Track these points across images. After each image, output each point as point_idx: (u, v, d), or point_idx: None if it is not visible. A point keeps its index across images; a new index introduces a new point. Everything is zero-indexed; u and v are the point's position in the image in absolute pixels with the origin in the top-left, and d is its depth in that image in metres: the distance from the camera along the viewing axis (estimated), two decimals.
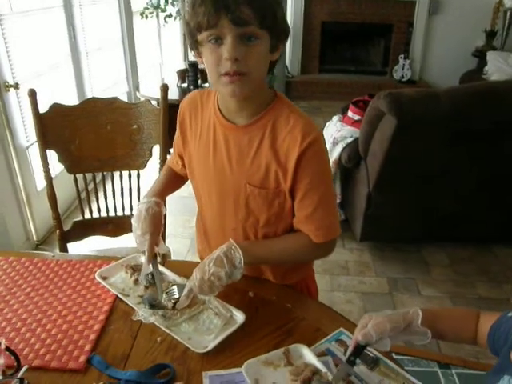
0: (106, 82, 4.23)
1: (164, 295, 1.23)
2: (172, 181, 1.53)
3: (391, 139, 2.52)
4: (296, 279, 1.44)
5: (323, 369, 1.03)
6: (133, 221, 1.33)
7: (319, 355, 1.09)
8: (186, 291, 1.18)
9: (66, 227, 1.98)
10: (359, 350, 0.97)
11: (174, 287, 1.25)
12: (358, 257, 2.98)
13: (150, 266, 1.30)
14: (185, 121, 1.34)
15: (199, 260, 1.48)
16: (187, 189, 1.50)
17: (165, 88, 1.90)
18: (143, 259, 1.43)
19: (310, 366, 1.04)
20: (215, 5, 1.01)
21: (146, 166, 1.96)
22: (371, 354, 1.10)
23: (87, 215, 2.02)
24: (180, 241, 3.14)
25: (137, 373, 1.02)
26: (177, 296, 1.21)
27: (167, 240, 1.71)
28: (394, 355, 2.38)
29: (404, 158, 2.63)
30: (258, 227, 1.30)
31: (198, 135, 1.30)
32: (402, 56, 6.65)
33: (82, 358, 1.07)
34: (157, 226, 1.33)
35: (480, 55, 6.12)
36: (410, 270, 2.86)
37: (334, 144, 3.13)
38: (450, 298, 2.67)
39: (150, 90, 4.21)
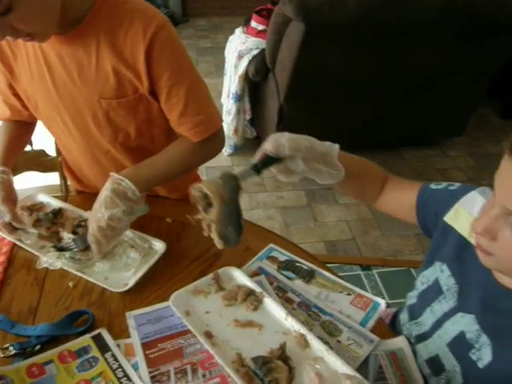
0: None
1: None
2: (14, 137, 1.26)
3: (300, 46, 2.40)
4: (188, 184, 1.36)
5: (257, 289, 0.96)
6: None
7: (251, 275, 1.02)
8: (94, 248, 1.02)
9: None
10: (267, 161, 0.85)
11: (72, 242, 1.08)
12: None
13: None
14: (5, 53, 1.10)
15: None
16: None
17: None
18: (41, 197, 1.25)
19: (243, 287, 0.96)
20: None
21: None
22: (305, 267, 1.05)
23: None
24: None
25: (49, 326, 0.90)
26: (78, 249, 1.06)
27: None
28: None
29: (314, 65, 2.53)
30: (131, 141, 1.17)
31: (25, 62, 1.09)
32: None
33: None
34: (9, 193, 1.12)
35: None
36: None
37: (240, 57, 2.96)
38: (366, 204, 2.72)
39: None
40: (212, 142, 1.18)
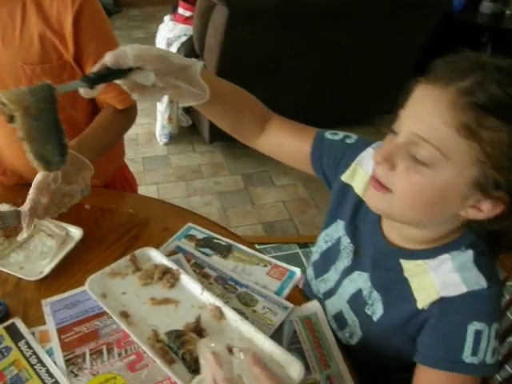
0: None
1: None
2: None
3: (225, 31, 2.39)
4: (111, 174, 1.37)
5: (174, 266, 0.97)
6: None
7: (169, 254, 1.02)
8: (25, 219, 0.96)
9: None
10: (106, 74, 0.75)
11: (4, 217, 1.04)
12: (210, 159, 2.93)
13: None
14: None
15: None
16: None
17: None
18: None
19: (159, 266, 0.97)
20: None
21: None
22: (223, 243, 1.07)
23: None
24: None
25: None
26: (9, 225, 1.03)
27: None
28: (256, 246, 2.46)
29: (241, 49, 2.53)
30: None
31: None
32: None
33: None
34: None
35: None
36: (263, 164, 2.89)
37: (169, 45, 2.94)
38: (302, 184, 2.77)
39: None
40: (129, 112, 1.21)
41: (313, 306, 0.94)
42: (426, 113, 0.67)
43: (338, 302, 0.92)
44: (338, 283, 0.92)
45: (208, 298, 0.91)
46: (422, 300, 0.77)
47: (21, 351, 0.84)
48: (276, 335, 0.88)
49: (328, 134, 0.95)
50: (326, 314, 0.92)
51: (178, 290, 0.94)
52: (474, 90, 0.64)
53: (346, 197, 0.92)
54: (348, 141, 0.93)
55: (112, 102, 1.16)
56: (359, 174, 0.90)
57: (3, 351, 0.84)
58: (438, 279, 0.76)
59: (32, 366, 0.81)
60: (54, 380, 0.79)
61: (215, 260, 1.02)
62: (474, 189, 0.68)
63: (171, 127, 3.04)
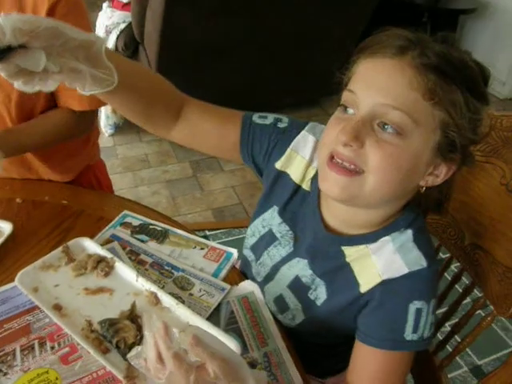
0: None
1: None
2: None
3: (163, 16, 2.34)
4: (77, 172, 1.31)
5: (108, 255, 0.95)
6: None
7: (104, 243, 1.00)
8: None
9: None
10: None
11: None
12: (157, 147, 2.88)
13: None
14: None
15: None
16: None
17: None
18: None
19: (93, 256, 0.95)
20: None
21: None
22: (159, 228, 1.06)
23: None
24: None
25: None
26: None
27: None
28: (207, 232, 2.45)
29: (180, 34, 2.49)
30: (11, 106, 1.10)
31: None
32: None
33: None
34: None
35: None
36: None
37: (107, 33, 2.85)
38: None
39: None
40: (88, 116, 1.17)
41: (249, 285, 0.94)
42: (392, 81, 0.66)
43: (278, 287, 0.90)
44: (274, 269, 0.90)
45: (143, 284, 0.90)
46: (365, 283, 0.78)
47: None
48: (214, 317, 0.88)
49: (256, 118, 0.88)
50: (264, 297, 0.92)
51: (113, 278, 0.92)
52: (428, 55, 0.65)
53: (281, 184, 0.89)
54: (280, 125, 0.88)
55: (72, 102, 1.11)
56: (295, 161, 0.87)
57: None
58: (380, 262, 0.76)
59: None
60: None
61: (151, 246, 1.01)
62: (436, 154, 0.69)
63: (116, 117, 2.97)
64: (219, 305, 0.90)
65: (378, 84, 0.68)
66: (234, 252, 1.01)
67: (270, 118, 0.89)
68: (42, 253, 0.98)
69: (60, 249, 0.97)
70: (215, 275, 0.96)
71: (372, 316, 0.78)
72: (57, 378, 0.76)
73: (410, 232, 0.77)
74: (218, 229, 2.36)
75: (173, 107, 0.86)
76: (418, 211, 0.80)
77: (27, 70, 0.59)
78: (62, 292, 0.90)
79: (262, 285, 0.94)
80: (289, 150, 0.87)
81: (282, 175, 0.89)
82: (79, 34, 0.62)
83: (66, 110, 1.13)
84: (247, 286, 0.94)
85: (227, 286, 0.93)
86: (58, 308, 0.86)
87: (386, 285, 0.76)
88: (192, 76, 2.74)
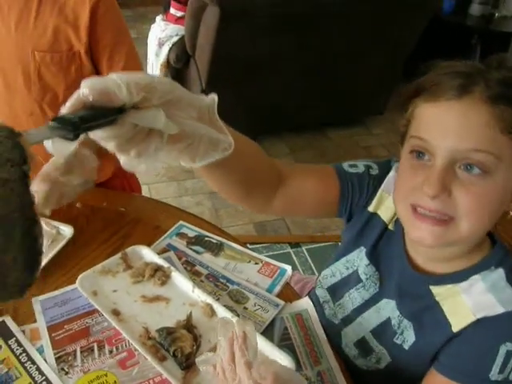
0: None
1: None
2: None
3: (217, 31, 2.40)
4: (109, 172, 1.34)
5: (165, 264, 0.97)
6: None
7: (161, 252, 1.02)
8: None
9: None
10: (93, 117, 0.46)
11: None
12: None
13: None
14: None
15: None
16: None
17: None
18: None
19: (150, 264, 0.97)
20: None
21: None
22: (214, 241, 1.07)
23: None
24: None
25: None
26: None
27: None
28: (248, 245, 2.46)
29: (232, 49, 2.54)
30: (58, 103, 1.13)
31: None
32: None
33: None
34: None
35: None
36: None
37: (160, 45, 2.93)
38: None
39: None
40: None
41: (304, 302, 0.94)
42: (469, 123, 0.66)
43: (360, 330, 0.87)
44: (356, 312, 0.88)
45: (199, 295, 0.91)
46: (457, 323, 0.75)
47: (11, 349, 0.83)
48: (267, 332, 0.88)
49: (349, 168, 0.88)
50: (341, 340, 0.90)
51: (169, 287, 0.94)
52: (491, 86, 0.65)
53: (371, 226, 0.88)
54: (372, 172, 0.88)
55: None
56: (387, 201, 0.87)
57: None
58: (471, 301, 0.74)
59: (22, 363, 0.81)
60: (44, 378, 0.79)
61: (206, 258, 1.02)
62: None
63: None
64: (273, 320, 0.90)
65: (453, 129, 0.66)
66: (288, 268, 1.02)
67: (360, 165, 0.89)
68: (101, 258, 1.01)
69: (119, 255, 0.99)
70: (269, 291, 0.96)
71: (458, 349, 0.74)
72: (115, 382, 0.78)
73: (501, 271, 0.74)
74: (259, 243, 2.36)
75: (273, 175, 0.81)
76: (507, 249, 0.78)
77: (141, 136, 0.51)
78: (120, 298, 0.92)
79: (340, 327, 0.91)
80: (380, 191, 0.87)
81: (373, 217, 0.89)
82: (188, 94, 0.55)
83: None
84: (301, 304, 0.94)
85: (281, 302, 0.93)
86: (116, 313, 0.88)
87: (480, 323, 0.73)
88: (240, 90, 2.78)
